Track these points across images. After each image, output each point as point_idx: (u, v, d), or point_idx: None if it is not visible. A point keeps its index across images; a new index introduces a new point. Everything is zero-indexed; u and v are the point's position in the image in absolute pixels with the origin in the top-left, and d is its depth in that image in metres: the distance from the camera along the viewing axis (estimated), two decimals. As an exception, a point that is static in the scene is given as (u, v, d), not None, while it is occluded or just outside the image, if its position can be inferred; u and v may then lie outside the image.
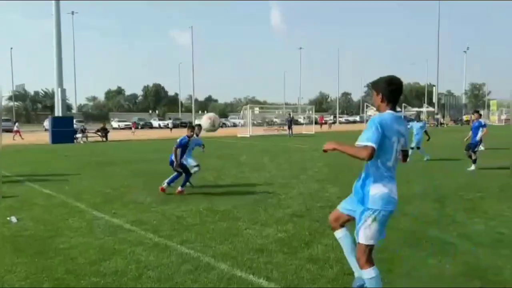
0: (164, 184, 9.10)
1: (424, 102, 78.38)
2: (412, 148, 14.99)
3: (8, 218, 6.90)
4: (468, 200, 8.29)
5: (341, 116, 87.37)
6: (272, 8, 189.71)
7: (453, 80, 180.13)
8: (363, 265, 3.37)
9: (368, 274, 3.37)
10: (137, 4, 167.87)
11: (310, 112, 52.24)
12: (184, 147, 9.17)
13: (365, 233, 3.32)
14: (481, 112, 15.85)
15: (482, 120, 13.05)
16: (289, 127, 36.69)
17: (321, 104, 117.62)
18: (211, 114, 8.88)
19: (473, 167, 12.45)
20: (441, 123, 57.84)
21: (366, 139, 3.19)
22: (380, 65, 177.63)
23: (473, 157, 12.48)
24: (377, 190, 3.28)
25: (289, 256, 5.05)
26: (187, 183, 9.22)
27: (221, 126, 58.82)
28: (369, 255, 3.36)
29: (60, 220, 6.90)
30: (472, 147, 12.58)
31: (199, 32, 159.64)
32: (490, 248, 5.29)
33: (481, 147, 13.48)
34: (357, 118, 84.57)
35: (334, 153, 3.62)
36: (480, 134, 12.60)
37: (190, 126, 9.53)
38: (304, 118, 56.88)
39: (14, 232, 6.19)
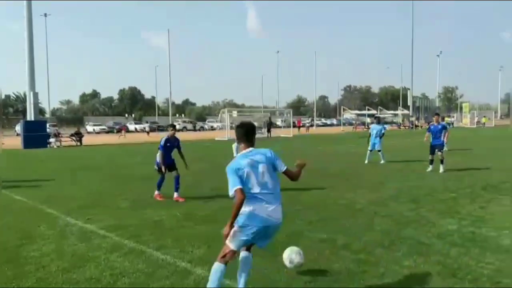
0: (156, 192, 8.89)
1: (399, 105, 79.89)
2: (371, 150, 15.36)
3: (-24, 226, 6.67)
4: (442, 200, 8.47)
5: (318, 119, 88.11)
6: (249, 10, 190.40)
7: (428, 83, 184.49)
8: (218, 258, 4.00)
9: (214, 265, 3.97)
10: (111, 5, 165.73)
11: (288, 115, 52.51)
12: (168, 148, 8.88)
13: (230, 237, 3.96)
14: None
15: (444, 123, 13.56)
16: (268, 130, 36.80)
17: (298, 108, 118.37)
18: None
19: (431, 167, 12.75)
20: (415, 126, 59.01)
21: (233, 186, 3.87)
22: (356, 69, 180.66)
23: (441, 158, 12.62)
24: (243, 210, 3.90)
25: (267, 259, 5.04)
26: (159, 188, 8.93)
27: (199, 130, 57.90)
28: (226, 254, 3.97)
29: (32, 227, 6.72)
30: (439, 148, 12.78)
31: (176, 35, 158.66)
32: (463, 248, 5.41)
33: (445, 148, 13.67)
34: (334, 121, 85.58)
35: (311, 161, 3.67)
36: (444, 136, 13.08)
37: (172, 125, 9.43)
38: (282, 121, 57.15)
39: (-17, 241, 5.99)
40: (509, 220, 6.85)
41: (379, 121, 17.45)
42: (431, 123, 13.89)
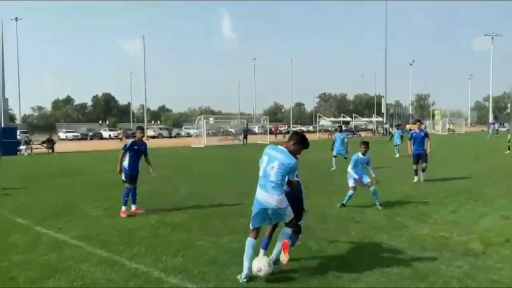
0: (122, 208, 8.07)
1: (374, 112, 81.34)
2: (335, 156, 15.80)
3: None
4: (415, 206, 8.63)
5: (295, 126, 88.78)
6: (225, 17, 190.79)
7: (401, 91, 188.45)
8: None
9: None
10: (85, 9, 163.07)
11: (265, 122, 52.70)
12: (135, 152, 8.27)
13: None
14: (426, 122, 16.46)
15: (425, 130, 12.97)
16: (245, 137, 36.80)
17: (275, 114, 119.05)
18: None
19: (416, 179, 11.96)
20: (389, 133, 60.14)
21: None
22: (331, 77, 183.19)
23: (424, 168, 11.90)
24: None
25: (241, 267, 5.00)
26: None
27: (175, 137, 57.29)
28: (251, 231, 4.83)
29: (1, 237, 6.49)
30: (424, 159, 11.88)
31: (151, 41, 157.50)
32: (434, 252, 5.52)
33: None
34: (310, 128, 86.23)
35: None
36: (428, 143, 12.09)
37: (140, 127, 9.00)
38: (258, 128, 57.26)
39: None
40: (479, 224, 7.05)
41: (341, 130, 18.03)
42: (412, 130, 12.83)
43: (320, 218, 7.53)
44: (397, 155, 20.60)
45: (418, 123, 12.87)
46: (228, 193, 10.47)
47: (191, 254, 5.52)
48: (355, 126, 70.38)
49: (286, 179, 4.67)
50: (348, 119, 73.11)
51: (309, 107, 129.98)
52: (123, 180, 8.30)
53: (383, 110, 69.33)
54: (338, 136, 16.36)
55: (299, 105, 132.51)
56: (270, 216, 4.72)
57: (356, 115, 77.62)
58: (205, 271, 4.86)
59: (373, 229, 6.78)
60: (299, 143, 4.82)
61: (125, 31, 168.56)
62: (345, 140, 16.25)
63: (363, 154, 8.63)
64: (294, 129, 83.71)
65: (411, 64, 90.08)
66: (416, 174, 12.03)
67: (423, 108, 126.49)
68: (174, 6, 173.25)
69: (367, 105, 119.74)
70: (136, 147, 8.32)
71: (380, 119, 70.20)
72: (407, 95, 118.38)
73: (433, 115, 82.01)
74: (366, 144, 8.65)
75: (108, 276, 4.75)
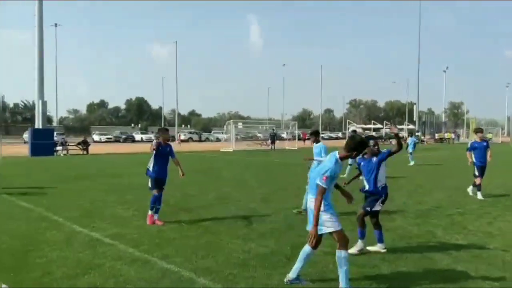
0: (155, 217, 7.62)
1: (405, 120, 79.75)
2: (350, 165, 15.04)
3: (-17, 232, 6.71)
4: (448, 216, 8.41)
5: (323, 132, 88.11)
6: (254, 23, 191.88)
7: (434, 99, 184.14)
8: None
9: None
10: (120, 15, 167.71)
11: (293, 128, 52.59)
12: (161, 154, 7.69)
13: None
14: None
15: (486, 140, 11.66)
16: (272, 142, 36.86)
17: (304, 120, 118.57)
18: None
19: (480, 195, 10.62)
20: (421, 141, 58.84)
21: None
22: (362, 83, 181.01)
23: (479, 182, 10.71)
24: None
25: (270, 271, 5.03)
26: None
27: (204, 141, 58.02)
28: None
29: (38, 234, 6.75)
30: (484, 171, 10.82)
31: (183, 46, 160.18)
32: (469, 264, 5.36)
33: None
34: (339, 134, 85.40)
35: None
36: (489, 153, 10.84)
37: (164, 128, 8.17)
38: (287, 133, 57.20)
39: (-11, 246, 6.02)
40: (516, 237, 6.80)
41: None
42: (473, 140, 11.29)
43: (349, 225, 7.44)
44: (411, 163, 20.27)
45: (479, 133, 11.27)
46: (256, 198, 10.51)
47: (220, 257, 5.58)
48: (385, 133, 69.18)
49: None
50: (378, 126, 71.95)
51: (339, 113, 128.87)
52: (149, 187, 7.72)
53: (415, 117, 67.95)
54: None
55: (329, 111, 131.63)
56: None
57: (387, 122, 76.27)
58: (234, 274, 4.91)
59: (403, 238, 6.65)
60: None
61: (158, 37, 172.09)
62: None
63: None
64: (323, 135, 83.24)
65: (444, 71, 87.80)
66: (479, 189, 10.63)
67: (456, 116, 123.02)
68: (204, 12, 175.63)
69: (398, 112, 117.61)
70: (160, 148, 7.69)
71: (412, 126, 68.75)
72: (440, 102, 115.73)
73: (467, 124, 79.65)
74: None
75: (141, 274, 4.86)
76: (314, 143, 9.05)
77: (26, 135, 38.68)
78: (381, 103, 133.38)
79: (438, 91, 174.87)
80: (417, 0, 61.75)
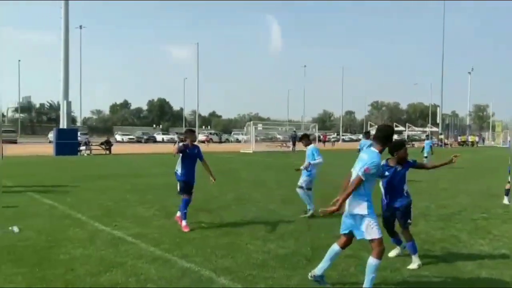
0: (183, 223, 7.21)
1: (428, 122, 78.46)
2: None
3: (10, 228, 6.89)
4: (472, 220, 8.22)
5: (344, 134, 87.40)
6: (274, 24, 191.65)
7: (458, 101, 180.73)
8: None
9: None
10: (142, 17, 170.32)
11: (314, 129, 52.34)
12: (188, 156, 7.37)
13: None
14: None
15: None
16: (293, 144, 36.73)
17: (324, 122, 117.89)
18: None
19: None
20: (445, 144, 57.72)
21: None
22: (384, 85, 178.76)
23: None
24: None
25: (290, 272, 5.01)
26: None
27: (224, 142, 58.29)
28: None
29: (62, 231, 6.89)
30: None
31: (204, 48, 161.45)
32: (495, 270, 5.22)
33: None
34: (360, 136, 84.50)
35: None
36: None
37: (190, 130, 8.01)
38: (307, 135, 56.92)
39: (15, 242, 6.18)
40: (544, 243, 6.59)
41: (368, 136, 16.82)
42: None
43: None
44: None
45: None
46: (275, 199, 10.49)
47: (239, 257, 5.59)
48: (408, 136, 68.19)
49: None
50: (401, 128, 70.97)
51: (360, 115, 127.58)
52: (178, 192, 7.44)
53: (439, 120, 66.77)
54: (364, 142, 15.39)
55: (350, 113, 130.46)
56: None
57: (409, 125, 75.20)
58: (254, 274, 4.91)
59: (426, 242, 6.53)
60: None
61: (179, 38, 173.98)
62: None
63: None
64: (343, 137, 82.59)
65: (469, 73, 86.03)
66: (507, 194, 10.29)
67: (482, 119, 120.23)
68: (225, 13, 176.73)
69: (421, 115, 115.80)
70: (188, 151, 7.38)
71: (435, 129, 67.58)
72: (464, 105, 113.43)
73: (493, 127, 77.76)
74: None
75: (161, 273, 4.91)
76: (306, 146, 8.97)
77: (51, 135, 39.64)
78: (403, 105, 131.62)
79: (462, 93, 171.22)
80: (441, 0, 60.73)
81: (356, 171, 4.32)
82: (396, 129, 67.80)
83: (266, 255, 5.67)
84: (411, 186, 5.97)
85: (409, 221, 5.52)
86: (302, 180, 8.58)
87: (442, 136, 62.08)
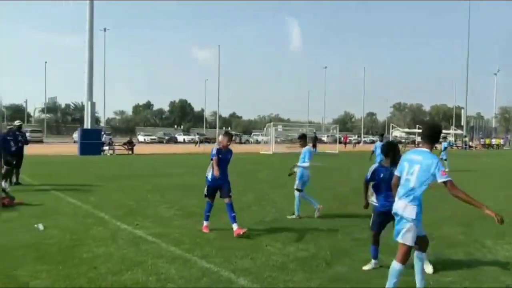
0: (204, 223, 7.26)
1: (452, 125, 76.90)
2: None
3: (35, 225, 7.07)
4: (498, 225, 7.99)
5: (366, 136, 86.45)
6: (295, 25, 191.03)
7: (483, 103, 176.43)
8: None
9: None
10: (165, 19, 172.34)
11: (334, 131, 52.01)
12: (221, 161, 7.11)
13: None
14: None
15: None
16: (313, 145, 36.62)
17: (345, 124, 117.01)
18: None
19: None
20: (469, 146, 56.47)
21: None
22: (406, 86, 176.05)
23: None
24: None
25: (309, 275, 4.99)
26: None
27: (244, 143, 58.49)
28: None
29: (85, 230, 7.03)
30: None
31: (225, 49, 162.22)
32: (521, 276, 5.08)
33: None
34: (375, 138, 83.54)
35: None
36: None
37: (227, 133, 7.68)
38: (328, 137, 56.61)
39: (40, 240, 6.33)
40: None
41: (382, 138, 16.49)
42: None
43: (392, 232, 7.25)
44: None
45: None
46: (294, 202, 10.42)
47: (259, 258, 5.59)
48: (448, 139, 67.00)
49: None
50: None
51: (382, 116, 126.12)
52: (205, 194, 7.29)
53: (463, 122, 65.39)
54: (378, 145, 14.80)
55: (371, 114, 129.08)
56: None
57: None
58: (273, 276, 4.90)
59: (450, 246, 6.40)
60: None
61: (200, 40, 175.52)
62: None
63: None
64: (365, 139, 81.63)
65: (495, 74, 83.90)
66: None
67: (508, 121, 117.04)
68: (245, 15, 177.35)
69: (444, 117, 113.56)
70: (220, 156, 7.09)
71: (459, 131, 66.18)
72: (490, 107, 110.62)
73: (521, 130, 75.49)
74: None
75: (181, 273, 4.96)
76: (302, 147, 9.10)
77: (76, 135, 40.53)
78: (426, 107, 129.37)
79: (488, 94, 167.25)
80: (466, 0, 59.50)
81: (404, 175, 4.24)
82: (419, 131, 66.68)
83: (286, 257, 5.66)
84: (433, 190, 5.84)
85: None
86: (296, 182, 8.70)
87: (466, 139, 60.77)
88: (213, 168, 7.03)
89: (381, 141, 15.69)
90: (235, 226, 6.81)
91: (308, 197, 8.75)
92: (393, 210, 4.31)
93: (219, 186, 7.19)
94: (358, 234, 7.03)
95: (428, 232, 7.35)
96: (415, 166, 4.15)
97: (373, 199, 5.43)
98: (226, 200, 7.05)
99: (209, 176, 7.16)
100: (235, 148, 9.85)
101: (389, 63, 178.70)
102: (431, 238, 6.87)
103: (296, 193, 8.64)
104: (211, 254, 5.72)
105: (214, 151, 7.06)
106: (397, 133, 75.94)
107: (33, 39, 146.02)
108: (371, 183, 5.47)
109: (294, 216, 8.47)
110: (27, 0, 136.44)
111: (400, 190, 4.26)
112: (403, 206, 4.16)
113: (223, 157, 7.13)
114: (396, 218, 4.30)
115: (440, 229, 7.55)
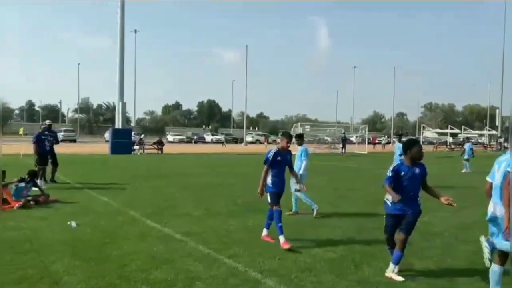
0: (264, 232, 6.67)
1: (486, 125, 74.46)
2: None
3: (68, 223, 7.28)
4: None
5: (395, 136, 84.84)
6: (323, 25, 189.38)
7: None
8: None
9: None
10: (193, 21, 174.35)
11: (363, 131, 51.24)
12: (279, 164, 6.51)
13: None
14: None
15: None
16: (343, 146, 36.05)
17: (374, 124, 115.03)
18: None
19: None
20: (504, 147, 54.45)
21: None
22: (438, 85, 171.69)
23: None
24: None
25: (337, 277, 4.93)
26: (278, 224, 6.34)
27: (271, 143, 58.45)
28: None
29: (115, 227, 7.19)
30: None
31: (252, 49, 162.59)
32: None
33: None
34: (394, 139, 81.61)
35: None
36: None
37: (287, 134, 6.85)
38: (356, 137, 55.82)
39: (74, 237, 6.52)
40: None
41: (400, 138, 15.91)
42: None
43: (422, 235, 7.09)
44: (467, 170, 19.09)
45: None
46: (322, 201, 10.33)
47: (287, 259, 5.57)
48: (463, 139, 65.04)
49: None
50: (456, 131, 67.82)
51: (412, 117, 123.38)
52: (269, 203, 6.54)
53: (498, 122, 63.19)
54: (398, 146, 14.15)
55: (401, 114, 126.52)
56: None
57: (465, 127, 71.72)
58: (301, 277, 4.87)
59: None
60: None
61: (228, 40, 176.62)
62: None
63: None
64: (395, 139, 79.90)
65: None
66: None
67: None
68: (273, 15, 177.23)
69: (478, 117, 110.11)
70: (279, 158, 6.50)
71: (493, 132, 63.99)
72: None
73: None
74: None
75: (209, 272, 4.99)
76: (299, 146, 9.02)
77: (107, 135, 41.53)
78: (459, 107, 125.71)
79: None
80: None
81: (497, 177, 4.26)
82: (451, 131, 64.87)
83: (313, 259, 5.61)
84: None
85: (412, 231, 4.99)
86: (293, 182, 8.49)
87: (501, 140, 58.68)
88: (267, 173, 6.46)
89: (399, 141, 15.23)
90: (282, 238, 6.14)
91: (306, 197, 8.72)
92: (491, 215, 4.30)
93: (281, 191, 6.53)
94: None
95: (458, 234, 7.16)
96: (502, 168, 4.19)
97: (388, 197, 5.05)
98: (276, 207, 6.37)
99: (269, 182, 6.47)
100: (262, 148, 9.82)
101: (420, 62, 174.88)
102: (463, 241, 6.71)
103: (297, 193, 8.60)
104: (238, 254, 5.74)
105: (271, 154, 6.48)
106: (428, 133, 74.15)
107: (67, 41, 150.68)
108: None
109: (291, 212, 8.68)
110: (62, 0, 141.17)
111: (495, 195, 4.29)
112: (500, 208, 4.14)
113: (282, 159, 6.51)
114: (496, 225, 4.24)
115: (472, 232, 7.30)
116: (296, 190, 8.54)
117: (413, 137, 4.95)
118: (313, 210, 8.54)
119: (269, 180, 6.48)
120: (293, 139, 8.14)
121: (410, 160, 5.03)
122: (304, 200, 8.71)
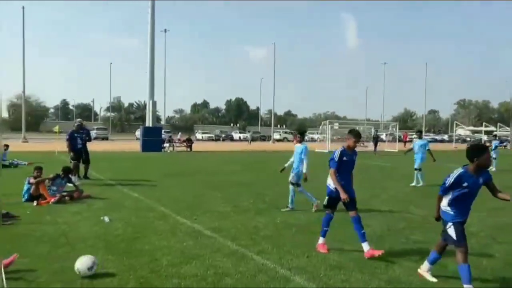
0: (320, 240, 6.02)
1: (524, 122, 71.50)
2: (416, 170, 13.36)
3: (101, 218, 7.48)
4: None
5: (427, 134, 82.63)
6: (352, 21, 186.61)
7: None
8: None
9: None
10: (222, 20, 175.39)
11: (394, 129, 50.26)
12: (345, 164, 5.98)
13: None
14: None
15: None
16: (375, 145, 35.26)
17: (405, 121, 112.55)
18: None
19: None
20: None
21: None
22: (472, 81, 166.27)
23: None
24: None
25: (367, 276, 4.87)
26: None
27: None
28: None
29: (146, 223, 7.34)
30: None
31: (280, 47, 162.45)
32: None
33: None
34: (445, 137, 79.38)
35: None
36: None
37: (354, 132, 6.20)
38: (386, 135, 54.87)
39: (106, 231, 6.69)
40: None
41: (420, 135, 15.06)
42: None
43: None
44: (493, 169, 18.17)
45: None
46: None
47: (315, 257, 5.54)
48: (499, 137, 62.74)
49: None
50: (491, 128, 65.54)
51: (445, 114, 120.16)
52: (324, 205, 6.21)
53: (536, 119, 60.65)
54: (417, 142, 14.05)
55: (433, 112, 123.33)
56: None
57: (501, 125, 69.19)
58: (330, 275, 4.84)
59: (519, 253, 5.96)
60: None
61: (256, 38, 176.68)
62: (426, 147, 13.67)
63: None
64: (426, 137, 78.00)
65: None
66: None
67: None
68: (301, 12, 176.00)
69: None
70: (345, 158, 5.92)
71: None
72: None
73: None
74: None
75: (238, 268, 5.03)
76: (298, 144, 9.23)
77: (138, 133, 42.40)
78: (494, 104, 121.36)
79: None
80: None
81: None
82: (485, 129, 62.71)
83: (343, 257, 5.56)
84: (509, 192, 5.46)
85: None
86: (291, 176, 8.96)
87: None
88: (336, 176, 5.84)
89: (419, 137, 14.70)
90: (366, 246, 5.58)
91: (306, 192, 8.94)
92: None
93: (352, 196, 5.99)
94: (419, 236, 6.77)
95: (494, 235, 6.93)
96: None
97: (447, 209, 4.68)
98: (352, 213, 5.82)
99: (331, 185, 5.94)
100: (290, 146, 9.78)
101: (452, 58, 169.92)
102: (498, 242, 6.49)
103: (291, 187, 8.85)
104: (267, 251, 5.76)
105: (337, 154, 5.88)
106: (462, 131, 72.05)
107: (100, 41, 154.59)
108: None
109: (287, 209, 8.74)
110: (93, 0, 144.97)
111: None
112: None
113: (348, 159, 5.94)
114: None
115: (509, 233, 7.06)
116: (296, 185, 8.80)
117: (479, 142, 4.63)
118: (313, 205, 8.76)
119: (331, 182, 5.89)
120: (295, 135, 8.47)
121: (477, 169, 4.43)
122: (305, 195, 8.92)
